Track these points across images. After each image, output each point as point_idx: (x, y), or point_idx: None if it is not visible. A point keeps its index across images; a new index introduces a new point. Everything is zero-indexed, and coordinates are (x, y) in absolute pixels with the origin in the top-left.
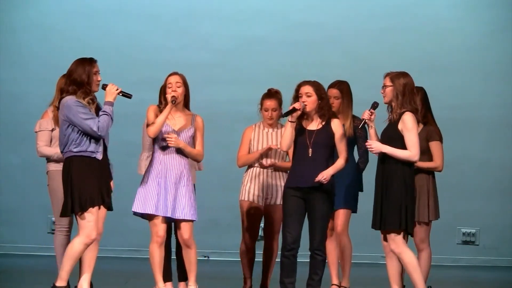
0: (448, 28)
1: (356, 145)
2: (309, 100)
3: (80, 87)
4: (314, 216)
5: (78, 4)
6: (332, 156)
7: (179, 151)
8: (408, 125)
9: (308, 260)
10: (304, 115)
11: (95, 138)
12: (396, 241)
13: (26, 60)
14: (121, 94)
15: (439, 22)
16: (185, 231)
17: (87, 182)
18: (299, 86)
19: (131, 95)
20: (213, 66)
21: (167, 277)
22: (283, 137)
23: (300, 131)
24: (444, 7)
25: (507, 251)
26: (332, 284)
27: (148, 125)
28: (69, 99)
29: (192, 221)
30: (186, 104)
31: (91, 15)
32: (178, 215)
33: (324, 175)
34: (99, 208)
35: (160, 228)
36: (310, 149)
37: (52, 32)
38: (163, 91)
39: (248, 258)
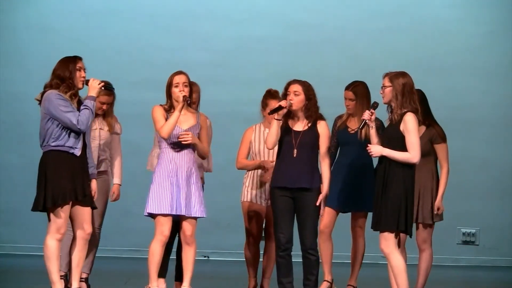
0: (449, 28)
1: None
2: (296, 99)
3: (63, 82)
4: (304, 215)
5: (78, 5)
6: (317, 157)
7: (188, 148)
8: (409, 126)
9: (300, 260)
10: (291, 114)
11: (75, 132)
12: (388, 241)
13: (26, 60)
14: (103, 87)
15: (439, 22)
16: (188, 228)
17: (62, 177)
18: (288, 84)
19: (113, 88)
20: (213, 66)
21: (162, 273)
22: (269, 135)
23: (286, 131)
24: (444, 8)
25: (507, 251)
26: (324, 280)
27: (156, 126)
28: (51, 93)
29: (196, 219)
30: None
31: (91, 15)
32: (192, 213)
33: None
34: (72, 204)
35: (166, 228)
36: (295, 150)
37: (52, 32)
38: (168, 90)
39: (252, 258)
